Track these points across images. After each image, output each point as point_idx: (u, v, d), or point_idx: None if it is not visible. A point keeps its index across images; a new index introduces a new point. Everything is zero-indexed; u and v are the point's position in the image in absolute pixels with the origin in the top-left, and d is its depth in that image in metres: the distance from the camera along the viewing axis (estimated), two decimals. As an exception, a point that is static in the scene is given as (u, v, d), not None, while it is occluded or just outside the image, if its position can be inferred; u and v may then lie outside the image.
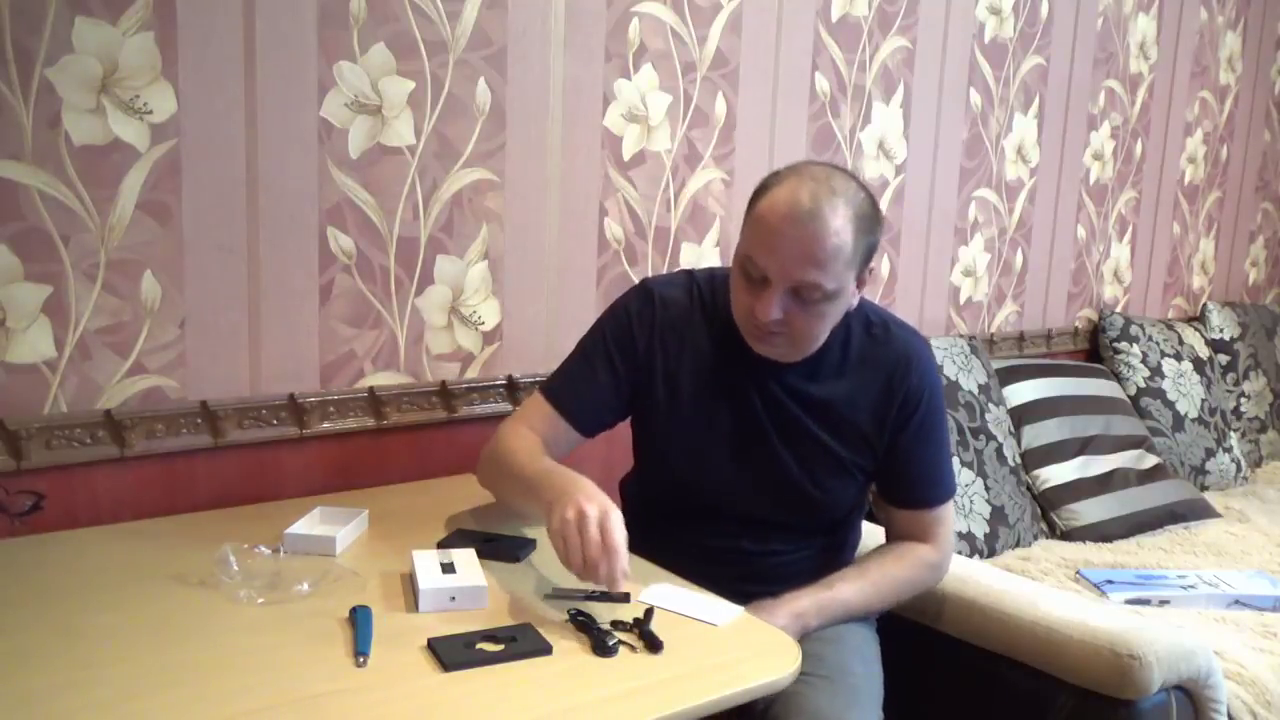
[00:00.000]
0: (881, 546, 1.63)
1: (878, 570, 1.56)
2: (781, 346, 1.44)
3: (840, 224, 1.35)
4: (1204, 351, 3.04)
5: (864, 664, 1.48)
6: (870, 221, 1.41)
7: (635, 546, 1.55)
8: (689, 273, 1.60)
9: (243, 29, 1.55)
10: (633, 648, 1.20)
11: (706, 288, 1.56)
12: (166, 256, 1.53)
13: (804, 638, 1.44)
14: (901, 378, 1.51)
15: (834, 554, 1.62)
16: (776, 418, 1.51)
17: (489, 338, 1.88)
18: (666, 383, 1.53)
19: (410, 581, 1.32)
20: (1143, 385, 2.83)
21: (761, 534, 1.56)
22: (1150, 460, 2.55)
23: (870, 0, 2.30)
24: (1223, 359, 3.13)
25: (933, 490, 1.59)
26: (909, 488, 1.59)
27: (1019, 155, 2.71)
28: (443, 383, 1.82)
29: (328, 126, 1.64)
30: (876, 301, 2.45)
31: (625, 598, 1.26)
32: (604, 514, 1.23)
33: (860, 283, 1.44)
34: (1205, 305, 3.22)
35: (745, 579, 1.50)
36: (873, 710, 1.40)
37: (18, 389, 1.45)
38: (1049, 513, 2.39)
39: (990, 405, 2.34)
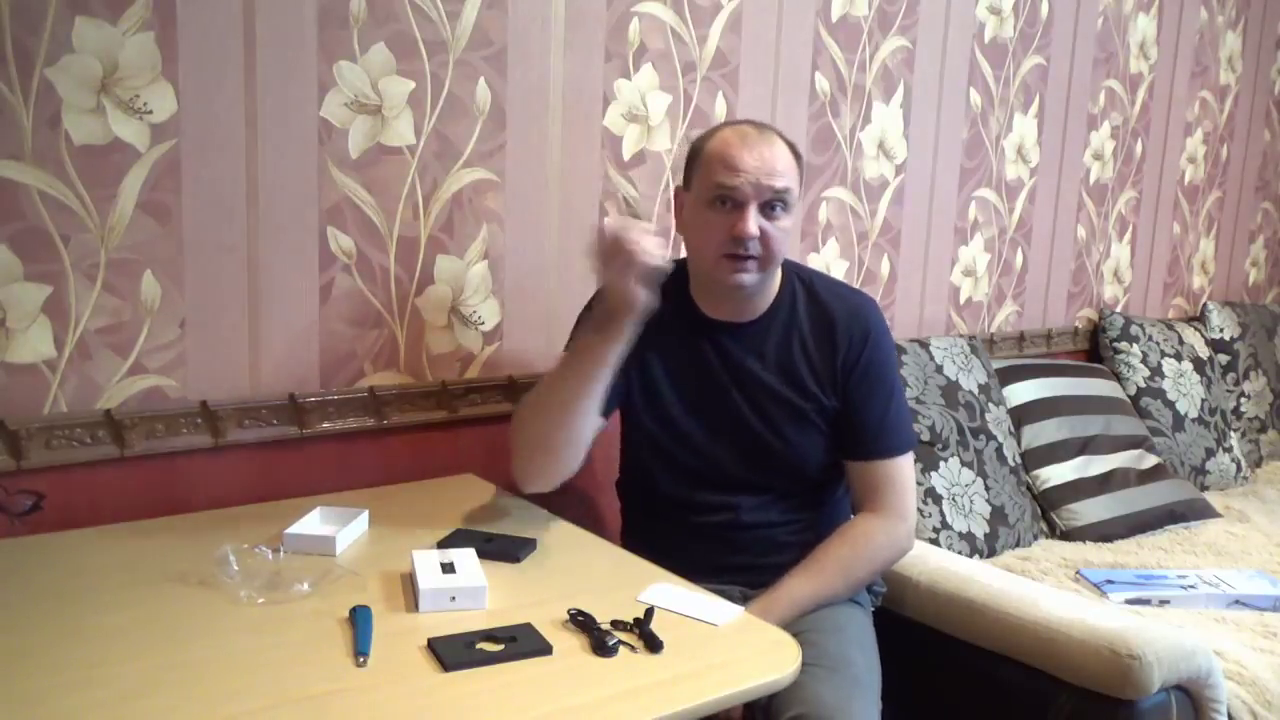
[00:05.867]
0: (834, 533, 1.62)
1: (824, 556, 1.57)
2: (753, 272, 1.55)
3: (782, 140, 1.57)
4: (1204, 351, 3.04)
5: (864, 654, 1.51)
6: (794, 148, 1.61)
7: (637, 540, 1.56)
8: None
9: (243, 29, 1.55)
10: (633, 648, 1.20)
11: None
12: (166, 256, 1.53)
13: (804, 628, 1.47)
14: (846, 327, 1.62)
15: (826, 528, 1.62)
16: (734, 373, 1.62)
17: (489, 338, 1.88)
18: (638, 364, 1.62)
19: (410, 581, 1.32)
20: (1143, 385, 2.83)
21: (748, 503, 1.61)
22: (1150, 460, 2.55)
23: (870, 0, 2.30)
24: (1223, 359, 3.12)
25: (882, 439, 1.62)
26: (858, 434, 1.62)
27: (1019, 155, 2.71)
28: (443, 383, 1.82)
29: (328, 126, 1.64)
30: (877, 301, 2.45)
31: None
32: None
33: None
34: (1205, 305, 3.21)
35: (743, 551, 1.61)
36: (873, 700, 1.43)
37: (18, 389, 1.45)
38: (1049, 513, 2.39)
39: (990, 405, 2.34)
